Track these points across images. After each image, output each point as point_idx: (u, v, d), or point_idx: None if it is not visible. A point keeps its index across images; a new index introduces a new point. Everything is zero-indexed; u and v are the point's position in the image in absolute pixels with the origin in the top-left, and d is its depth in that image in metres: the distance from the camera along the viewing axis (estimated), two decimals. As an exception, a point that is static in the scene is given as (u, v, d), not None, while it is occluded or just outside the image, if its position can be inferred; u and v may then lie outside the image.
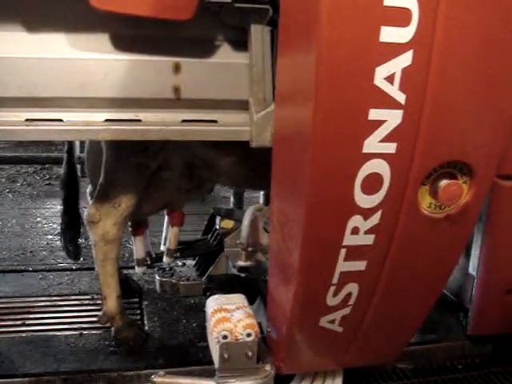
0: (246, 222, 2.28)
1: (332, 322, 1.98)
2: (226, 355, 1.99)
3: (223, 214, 2.87)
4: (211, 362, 2.16)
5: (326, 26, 1.52)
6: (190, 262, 3.00)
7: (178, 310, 2.87)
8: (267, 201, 3.08)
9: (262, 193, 3.19)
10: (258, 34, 2.17)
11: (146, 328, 2.70)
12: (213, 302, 2.15)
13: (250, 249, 2.31)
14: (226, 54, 2.23)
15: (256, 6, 2.13)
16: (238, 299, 2.18)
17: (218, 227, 2.89)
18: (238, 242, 2.41)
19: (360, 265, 1.84)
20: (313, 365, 2.24)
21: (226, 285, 2.41)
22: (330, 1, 1.50)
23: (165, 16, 1.94)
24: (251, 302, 2.34)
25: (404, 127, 1.63)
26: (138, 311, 2.87)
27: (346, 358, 2.17)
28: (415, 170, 1.70)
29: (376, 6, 1.52)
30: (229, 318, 2.04)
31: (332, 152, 1.65)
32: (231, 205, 3.17)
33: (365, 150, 1.64)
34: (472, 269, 2.70)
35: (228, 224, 2.82)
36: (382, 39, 1.54)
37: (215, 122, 2.20)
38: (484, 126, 1.73)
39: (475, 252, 2.67)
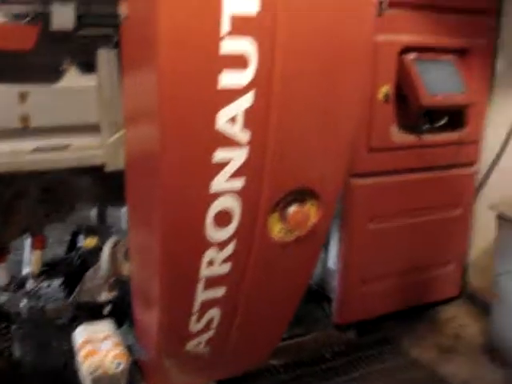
0: (105, 255, 2.26)
1: (198, 345, 2.03)
2: (98, 388, 2.00)
3: (86, 231, 2.82)
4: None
5: (165, 81, 1.53)
6: (56, 283, 2.93)
7: (48, 332, 2.80)
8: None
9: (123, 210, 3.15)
10: (105, 58, 2.14)
11: (17, 354, 2.63)
12: (80, 334, 2.14)
13: (112, 279, 2.30)
14: (74, 79, 2.17)
15: (101, 32, 2.09)
16: (105, 327, 2.17)
17: (81, 245, 2.83)
18: (98, 276, 2.38)
19: (219, 291, 1.90)
20: (185, 382, 2.29)
21: (93, 311, 2.38)
22: (167, 57, 1.50)
23: (5, 47, 1.87)
24: (120, 324, 2.34)
25: (250, 163, 1.68)
26: (8, 336, 2.78)
27: (217, 371, 2.24)
28: (264, 201, 1.77)
29: (212, 55, 1.53)
30: (97, 350, 2.04)
31: (181, 194, 1.67)
32: (94, 220, 3.10)
33: (213, 190, 1.68)
34: (331, 263, 2.88)
35: (91, 242, 2.77)
36: (220, 86, 1.56)
37: (67, 147, 2.14)
38: (325, 154, 1.82)
39: (333, 247, 2.85)
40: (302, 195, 1.83)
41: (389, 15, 2.31)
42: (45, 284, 2.82)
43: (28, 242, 2.74)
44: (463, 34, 2.99)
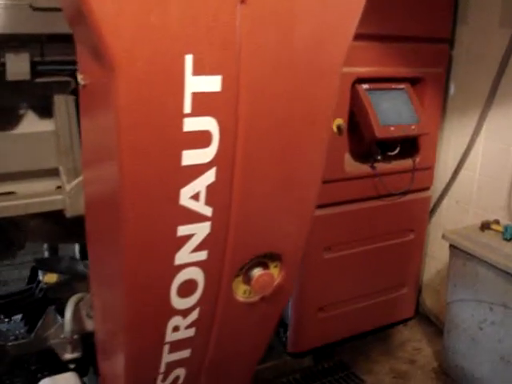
0: (67, 314, 2.24)
1: (163, 401, 2.04)
2: None
3: (46, 267, 2.78)
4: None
5: (127, 159, 1.51)
6: (17, 317, 2.88)
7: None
8: (82, 252, 3.03)
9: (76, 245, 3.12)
10: (62, 104, 2.12)
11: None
12: (44, 389, 2.12)
13: (75, 337, 2.29)
14: (31, 124, 2.15)
15: (57, 79, 2.07)
16: (71, 380, 2.16)
17: (41, 279, 2.80)
18: (62, 336, 2.35)
19: (184, 353, 1.91)
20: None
21: (57, 361, 2.36)
22: (127, 136, 1.48)
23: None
24: (84, 373, 2.33)
25: (213, 236, 1.69)
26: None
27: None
28: (227, 269, 1.78)
29: (176, 132, 1.52)
30: (61, 409, 2.03)
31: (144, 265, 1.67)
32: (45, 252, 3.07)
33: (177, 263, 1.68)
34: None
35: (52, 278, 2.75)
36: (183, 163, 1.55)
37: (27, 193, 2.14)
38: (289, 219, 1.84)
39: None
40: (265, 258, 1.86)
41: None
42: (5, 320, 2.77)
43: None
44: (417, 63, 3.06)
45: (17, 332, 2.77)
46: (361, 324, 3.27)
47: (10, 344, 2.68)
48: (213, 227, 1.67)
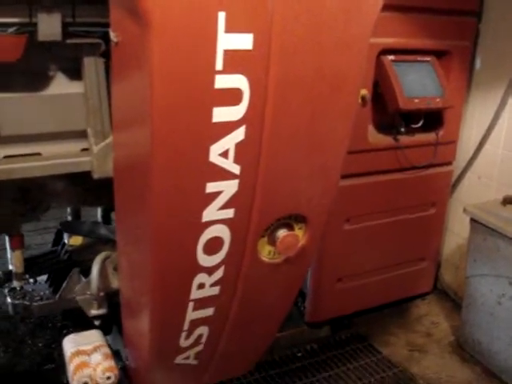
0: (94, 271, 2.28)
1: (187, 358, 2.09)
2: (88, 400, 2.04)
3: (70, 230, 2.83)
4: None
5: (159, 114, 1.53)
6: (42, 278, 2.93)
7: (22, 329, 2.81)
8: (104, 217, 3.07)
9: (99, 209, 3.16)
10: (92, 66, 2.13)
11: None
12: (69, 344, 2.17)
13: (101, 294, 2.33)
14: (61, 86, 2.17)
15: (88, 41, 2.09)
16: (95, 337, 2.21)
17: (66, 242, 2.85)
18: (88, 292, 2.39)
19: (208, 311, 1.95)
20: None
21: (82, 319, 2.41)
22: (161, 90, 1.50)
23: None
24: (108, 331, 2.38)
25: (240, 194, 1.71)
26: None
27: (204, 379, 2.31)
28: (253, 228, 1.81)
29: (207, 88, 1.54)
30: (88, 362, 2.08)
31: (172, 221, 1.70)
32: (68, 216, 3.11)
33: (204, 219, 1.71)
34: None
35: (77, 240, 2.79)
36: (214, 120, 1.58)
37: (56, 154, 2.16)
38: (313, 183, 1.86)
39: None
40: (290, 220, 1.88)
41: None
42: (30, 280, 2.81)
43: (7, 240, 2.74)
44: (443, 36, 3.02)
45: (41, 293, 2.81)
46: (379, 296, 3.28)
47: (35, 304, 2.73)
48: (240, 185, 1.69)
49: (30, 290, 2.80)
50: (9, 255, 2.81)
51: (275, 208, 1.81)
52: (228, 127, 1.60)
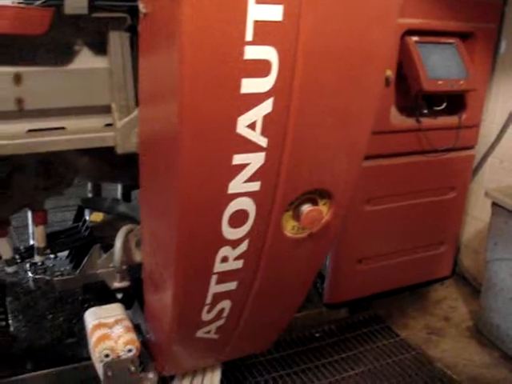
0: (118, 244, 2.29)
1: (208, 332, 2.10)
2: (109, 373, 2.06)
3: (92, 206, 2.84)
4: (81, 359, 2.31)
5: (187, 83, 1.53)
6: (63, 254, 2.95)
7: (42, 304, 2.83)
8: (124, 195, 3.08)
9: (119, 187, 3.18)
10: (117, 40, 2.13)
11: (12, 328, 2.66)
12: (91, 317, 2.18)
13: (124, 267, 2.34)
14: (86, 61, 2.17)
15: (114, 15, 2.08)
16: (116, 310, 2.22)
17: (87, 218, 2.86)
18: (111, 265, 2.41)
19: (231, 285, 1.96)
20: (193, 364, 2.37)
21: (103, 293, 2.43)
22: (190, 60, 1.50)
23: (19, 32, 1.86)
24: (129, 305, 2.39)
25: (267, 167, 1.71)
26: (2, 309, 2.81)
27: (224, 354, 2.33)
28: (278, 202, 1.81)
29: (236, 59, 1.54)
30: (109, 334, 2.09)
31: (199, 193, 1.70)
32: (89, 194, 3.12)
33: (230, 191, 1.71)
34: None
35: (98, 217, 2.81)
36: (243, 91, 1.57)
37: (81, 129, 2.16)
38: (339, 158, 1.85)
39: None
40: (315, 195, 1.87)
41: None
42: (51, 256, 2.83)
43: (30, 216, 2.75)
44: (468, 18, 2.99)
45: (62, 269, 2.84)
46: (398, 279, 3.28)
47: (55, 279, 2.75)
48: (267, 158, 1.69)
49: (51, 265, 2.82)
50: (30, 230, 2.83)
51: (301, 182, 1.81)
52: (256, 99, 1.59)
